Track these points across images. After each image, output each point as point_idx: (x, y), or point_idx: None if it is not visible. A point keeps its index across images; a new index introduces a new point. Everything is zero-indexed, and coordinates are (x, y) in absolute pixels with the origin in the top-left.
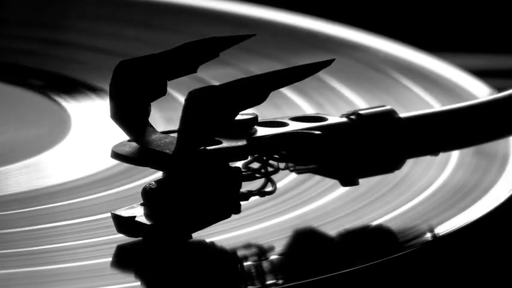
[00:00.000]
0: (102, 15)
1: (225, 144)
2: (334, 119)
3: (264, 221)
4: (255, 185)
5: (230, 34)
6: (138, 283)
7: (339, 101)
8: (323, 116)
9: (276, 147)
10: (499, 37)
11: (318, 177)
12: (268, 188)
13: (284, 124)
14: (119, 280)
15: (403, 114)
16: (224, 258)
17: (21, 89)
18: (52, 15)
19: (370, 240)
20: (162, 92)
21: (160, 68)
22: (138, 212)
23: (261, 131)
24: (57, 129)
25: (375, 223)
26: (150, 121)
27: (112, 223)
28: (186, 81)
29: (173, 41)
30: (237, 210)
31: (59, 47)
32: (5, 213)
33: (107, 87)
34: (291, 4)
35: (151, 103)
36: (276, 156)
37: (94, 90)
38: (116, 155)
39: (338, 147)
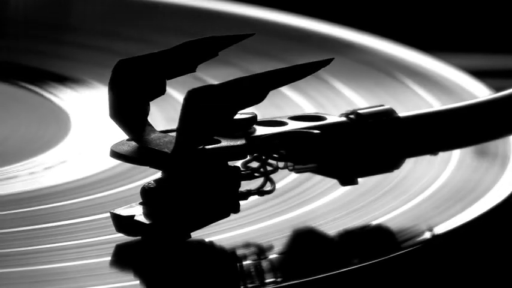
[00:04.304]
0: (102, 15)
1: (224, 143)
2: (333, 118)
3: (263, 220)
4: (254, 184)
5: (230, 34)
6: (137, 282)
7: (339, 100)
8: (322, 115)
9: (275, 147)
10: (499, 37)
11: (317, 177)
12: (268, 187)
13: (283, 123)
14: (118, 279)
15: (402, 113)
16: (223, 258)
17: (21, 89)
18: (53, 15)
19: (369, 239)
20: (161, 91)
21: (160, 67)
22: (137, 211)
23: (260, 130)
24: (57, 129)
25: (374, 223)
26: (149, 120)
27: (111, 222)
28: (186, 80)
29: (173, 41)
30: (236, 209)
31: (59, 46)
32: (5, 212)
33: (107, 87)
34: (291, 4)
35: (150, 102)
36: (275, 155)
37: (93, 89)
38: (115, 154)
39: (337, 146)
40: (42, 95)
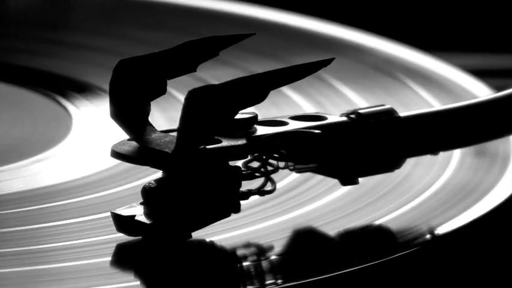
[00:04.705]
0: (102, 15)
1: (225, 143)
2: (333, 118)
3: (263, 220)
4: (254, 184)
5: (230, 34)
6: (138, 282)
7: (339, 100)
8: (323, 115)
9: (275, 146)
10: (499, 37)
11: (318, 177)
12: (268, 187)
13: (284, 123)
14: (118, 279)
15: (402, 113)
16: (224, 258)
17: (21, 89)
18: (52, 15)
19: (370, 240)
20: (161, 91)
21: (160, 67)
22: (138, 211)
23: (261, 130)
24: (58, 128)
25: (375, 223)
26: (150, 120)
27: (112, 222)
28: (187, 80)
29: (173, 41)
30: (237, 209)
31: (59, 47)
32: (5, 212)
33: (107, 87)
34: (291, 4)
35: (151, 102)
36: (275, 155)
37: (94, 89)
38: (115, 154)
39: (338, 146)
40: (42, 95)
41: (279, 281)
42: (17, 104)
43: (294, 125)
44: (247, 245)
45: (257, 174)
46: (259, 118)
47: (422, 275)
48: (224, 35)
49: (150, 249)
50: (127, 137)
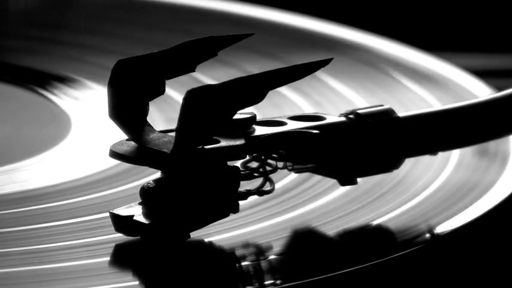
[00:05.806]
0: (102, 15)
1: (223, 143)
2: (332, 118)
3: (262, 220)
4: (253, 184)
5: (229, 34)
6: (136, 282)
7: (338, 100)
8: (321, 115)
9: (274, 147)
10: (499, 37)
11: (317, 177)
12: (267, 188)
13: (282, 123)
14: (117, 279)
15: (402, 113)
16: (222, 258)
17: (21, 89)
18: (52, 15)
19: (369, 240)
20: (160, 91)
21: (159, 67)
22: (136, 211)
23: (259, 130)
24: (57, 129)
25: (374, 223)
26: (148, 120)
27: (110, 222)
28: (186, 80)
29: (173, 41)
30: (236, 209)
31: (59, 47)
32: (4, 212)
33: (106, 87)
34: (291, 4)
35: (149, 102)
36: (274, 155)
37: (93, 89)
38: (114, 154)
39: (336, 146)
40: (42, 95)
41: (278, 281)
42: (16, 104)
43: (293, 125)
44: (246, 245)
45: (256, 174)
46: (258, 118)
47: (422, 274)
48: (223, 35)
49: (149, 249)
50: (125, 137)
